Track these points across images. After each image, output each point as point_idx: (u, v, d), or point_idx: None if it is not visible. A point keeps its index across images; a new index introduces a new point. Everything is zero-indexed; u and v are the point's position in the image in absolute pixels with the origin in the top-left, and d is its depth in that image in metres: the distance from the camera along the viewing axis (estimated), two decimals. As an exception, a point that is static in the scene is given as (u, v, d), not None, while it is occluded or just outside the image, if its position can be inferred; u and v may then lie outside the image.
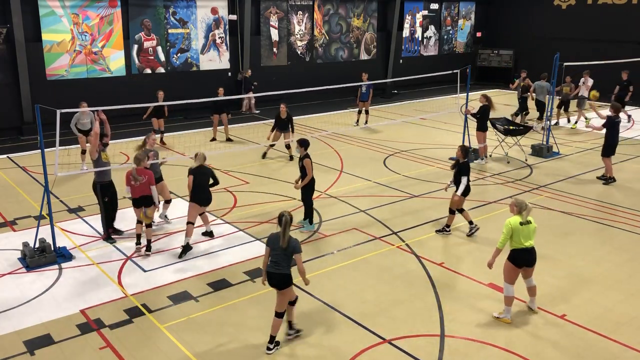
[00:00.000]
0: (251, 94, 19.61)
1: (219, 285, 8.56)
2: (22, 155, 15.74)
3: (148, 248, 9.56)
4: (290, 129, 14.77)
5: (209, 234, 10.26)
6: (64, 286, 8.50)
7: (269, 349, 6.89)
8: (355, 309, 7.88)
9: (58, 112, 9.08)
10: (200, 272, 8.97)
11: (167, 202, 10.97)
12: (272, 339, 6.92)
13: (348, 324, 7.52)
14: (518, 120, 19.39)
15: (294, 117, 15.38)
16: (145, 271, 8.98)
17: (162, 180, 10.81)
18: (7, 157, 15.56)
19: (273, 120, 15.14)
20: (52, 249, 9.32)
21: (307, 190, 10.36)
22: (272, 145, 14.90)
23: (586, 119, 19.11)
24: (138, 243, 9.65)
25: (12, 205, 11.87)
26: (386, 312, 7.84)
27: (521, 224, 7.33)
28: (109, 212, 10.12)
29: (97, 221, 10.91)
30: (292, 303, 7.08)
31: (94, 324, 7.50)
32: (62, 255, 9.35)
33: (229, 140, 17.18)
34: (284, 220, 6.69)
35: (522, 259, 7.44)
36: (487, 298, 8.24)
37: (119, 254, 9.58)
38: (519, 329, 7.46)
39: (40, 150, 9.21)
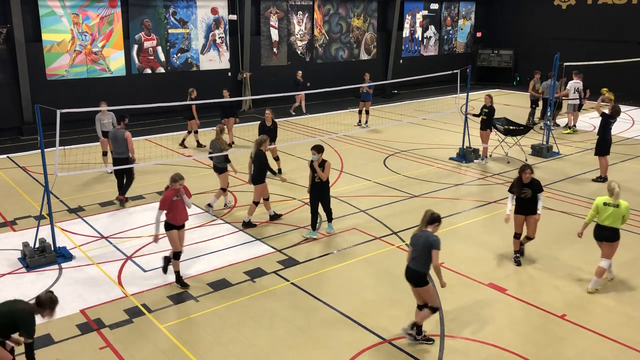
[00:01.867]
0: (302, 94, 19.87)
1: (219, 285, 8.56)
2: (22, 155, 15.74)
3: (181, 282, 8.49)
4: (274, 139, 13.27)
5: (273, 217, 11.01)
6: (64, 286, 8.50)
7: (412, 336, 7.09)
8: (355, 309, 7.88)
9: (58, 112, 9.09)
10: (200, 272, 8.97)
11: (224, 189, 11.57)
12: (418, 328, 7.08)
13: (348, 324, 7.52)
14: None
15: (294, 117, 15.29)
16: (145, 271, 8.98)
17: (226, 171, 11.46)
18: (7, 157, 15.56)
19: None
20: (52, 249, 9.32)
21: (327, 194, 10.20)
22: (277, 160, 13.87)
23: (570, 127, 18.83)
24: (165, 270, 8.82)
25: (12, 205, 11.87)
26: (386, 312, 7.85)
27: (605, 204, 8.23)
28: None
29: (97, 221, 10.96)
30: (432, 310, 7.02)
31: (94, 324, 7.50)
32: (62, 255, 9.35)
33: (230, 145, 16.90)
34: (425, 213, 6.99)
35: (596, 234, 8.41)
36: (486, 298, 8.24)
37: (119, 254, 9.58)
38: (519, 329, 7.47)
39: (40, 150, 9.22)
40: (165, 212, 8.20)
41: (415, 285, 6.95)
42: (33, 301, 6.04)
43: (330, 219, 10.50)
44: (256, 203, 10.67)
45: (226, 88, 17.49)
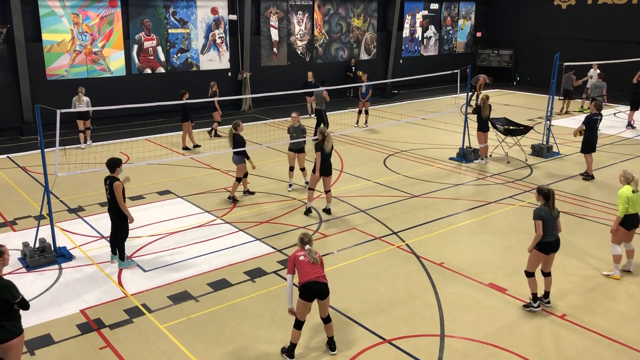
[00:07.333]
0: (313, 96, 20.03)
1: (219, 285, 8.56)
2: (22, 155, 15.74)
3: (332, 347, 6.95)
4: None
5: (326, 211, 11.33)
6: (64, 286, 8.50)
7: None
8: (355, 309, 7.88)
9: (58, 112, 9.09)
10: (200, 272, 8.97)
11: (302, 169, 12.83)
12: (544, 294, 8.01)
13: (348, 324, 7.52)
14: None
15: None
16: (145, 271, 8.98)
17: (304, 152, 12.70)
18: (7, 157, 15.55)
19: (275, 121, 15.01)
20: (52, 249, 9.32)
21: (126, 222, 9.02)
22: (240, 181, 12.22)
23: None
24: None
25: (12, 205, 11.87)
26: (386, 312, 7.85)
27: (633, 192, 8.41)
28: None
29: (97, 221, 10.95)
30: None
31: (94, 324, 7.50)
32: (62, 255, 9.35)
33: (186, 149, 16.27)
34: (551, 192, 7.59)
35: (632, 223, 8.62)
36: (487, 298, 8.24)
37: (119, 254, 9.57)
38: (519, 329, 7.47)
39: (40, 150, 9.22)
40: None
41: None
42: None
43: (122, 256, 9.11)
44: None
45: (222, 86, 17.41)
